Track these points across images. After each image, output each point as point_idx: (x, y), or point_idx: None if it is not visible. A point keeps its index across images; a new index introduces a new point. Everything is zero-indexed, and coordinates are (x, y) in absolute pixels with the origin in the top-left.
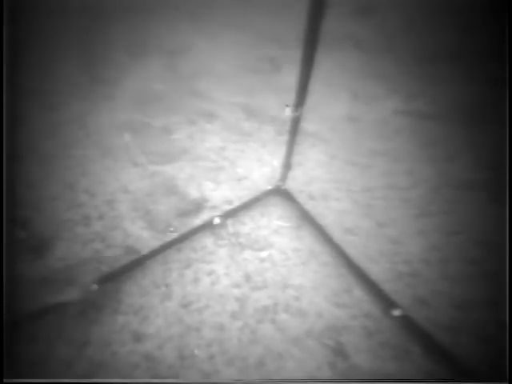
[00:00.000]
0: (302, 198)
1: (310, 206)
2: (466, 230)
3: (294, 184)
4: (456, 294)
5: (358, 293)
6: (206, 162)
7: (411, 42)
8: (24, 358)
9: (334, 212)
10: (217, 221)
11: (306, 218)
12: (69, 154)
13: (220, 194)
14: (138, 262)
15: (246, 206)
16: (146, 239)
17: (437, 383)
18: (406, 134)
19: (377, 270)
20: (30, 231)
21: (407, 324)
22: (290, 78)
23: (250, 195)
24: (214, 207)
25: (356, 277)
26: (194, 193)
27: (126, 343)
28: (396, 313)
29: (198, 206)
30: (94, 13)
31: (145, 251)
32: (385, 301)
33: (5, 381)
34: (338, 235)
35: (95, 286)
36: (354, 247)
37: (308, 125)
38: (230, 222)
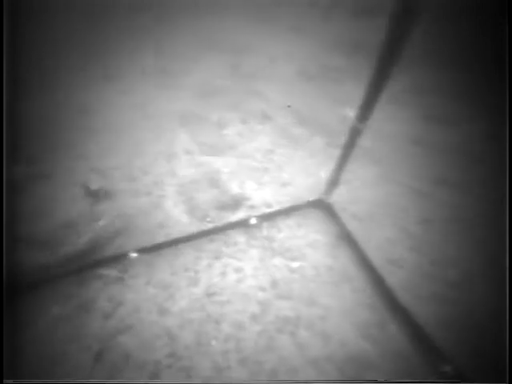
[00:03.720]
0: (344, 216)
1: (351, 225)
2: None
3: (338, 200)
4: None
5: (393, 330)
6: (252, 161)
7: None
8: (71, 303)
9: (378, 238)
10: (253, 221)
11: (345, 238)
12: (130, 134)
13: (261, 195)
14: (173, 243)
15: (285, 213)
16: (184, 223)
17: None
18: (488, 164)
19: (424, 313)
20: (95, 192)
21: (455, 377)
22: (353, 89)
23: (290, 202)
24: (253, 207)
25: (394, 313)
26: (235, 189)
27: (152, 314)
28: (446, 368)
29: (237, 202)
30: (163, 9)
31: (181, 234)
32: (430, 349)
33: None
34: (379, 263)
35: (134, 255)
36: (397, 280)
37: (366, 142)
38: (265, 224)
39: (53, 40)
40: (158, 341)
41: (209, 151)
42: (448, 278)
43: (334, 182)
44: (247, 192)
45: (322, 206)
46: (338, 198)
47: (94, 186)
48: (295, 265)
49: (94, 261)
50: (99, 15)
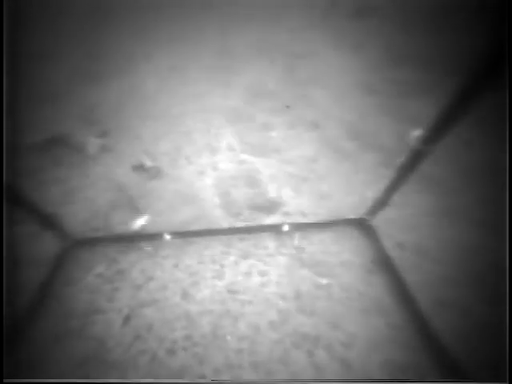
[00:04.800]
0: (388, 243)
1: (396, 254)
2: None
3: (383, 224)
4: None
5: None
6: (293, 168)
7: None
8: (112, 268)
9: (428, 274)
10: (285, 228)
11: (386, 266)
12: (181, 123)
13: (297, 203)
14: (204, 233)
15: (320, 226)
16: (218, 217)
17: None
18: None
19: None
20: (147, 171)
21: None
22: (421, 106)
23: (327, 216)
24: (287, 214)
25: (438, 362)
26: (272, 192)
27: (176, 295)
28: None
29: (272, 206)
30: (226, 10)
31: (213, 226)
32: None
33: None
34: (426, 303)
35: (168, 237)
36: (449, 326)
37: (431, 167)
38: (298, 234)
39: (119, 28)
40: (178, 322)
41: (251, 151)
42: None
43: (381, 204)
44: (284, 198)
45: (363, 227)
46: (384, 222)
47: (147, 165)
48: (323, 281)
49: (134, 233)
50: (174, 12)
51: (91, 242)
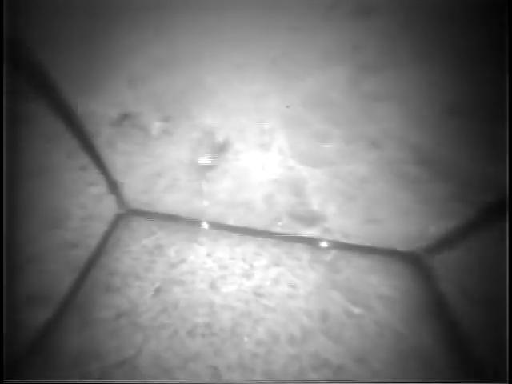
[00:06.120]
0: (447, 288)
1: (457, 302)
2: None
3: (445, 265)
4: None
5: None
6: (343, 184)
7: None
8: (152, 241)
9: (501, 333)
10: (323, 244)
11: (439, 314)
12: (237, 119)
13: (340, 222)
14: (240, 230)
15: (361, 251)
16: (256, 217)
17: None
18: None
19: None
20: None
21: None
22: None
23: (372, 242)
24: (328, 230)
25: None
26: (315, 205)
27: (204, 283)
28: None
29: (313, 219)
30: (296, 14)
31: (250, 225)
32: None
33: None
34: (490, 362)
35: (206, 226)
36: None
37: None
38: (335, 253)
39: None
40: (201, 308)
41: (301, 159)
42: None
43: (446, 244)
44: (327, 213)
45: (415, 263)
46: (447, 263)
47: (199, 153)
48: (355, 310)
49: (178, 214)
50: (242, 14)
51: (141, 214)
